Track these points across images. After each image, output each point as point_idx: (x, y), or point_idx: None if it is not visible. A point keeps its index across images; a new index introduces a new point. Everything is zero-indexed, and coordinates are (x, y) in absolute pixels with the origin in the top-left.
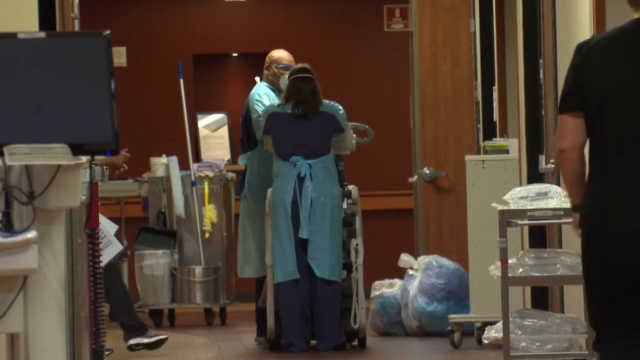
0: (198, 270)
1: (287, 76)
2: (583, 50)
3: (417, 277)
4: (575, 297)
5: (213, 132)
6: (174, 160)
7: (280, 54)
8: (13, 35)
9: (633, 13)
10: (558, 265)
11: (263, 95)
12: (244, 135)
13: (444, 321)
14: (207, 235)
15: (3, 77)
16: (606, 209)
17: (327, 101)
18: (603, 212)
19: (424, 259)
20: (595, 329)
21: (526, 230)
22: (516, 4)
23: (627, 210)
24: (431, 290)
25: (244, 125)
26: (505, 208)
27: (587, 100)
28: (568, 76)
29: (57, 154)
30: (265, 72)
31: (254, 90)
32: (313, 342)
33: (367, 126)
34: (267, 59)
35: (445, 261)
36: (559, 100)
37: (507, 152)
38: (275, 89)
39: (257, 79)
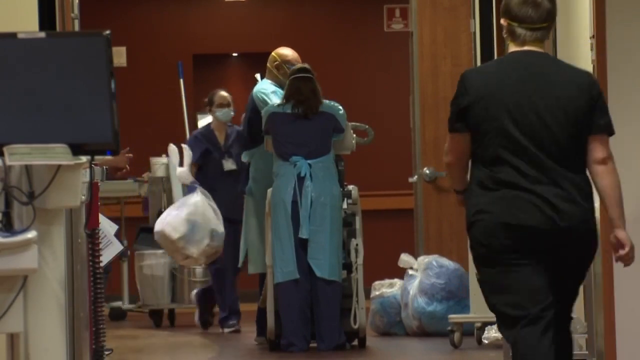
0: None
1: None
2: (469, 81)
3: (417, 277)
4: None
5: None
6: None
7: (294, 55)
8: (13, 35)
9: (510, 46)
10: None
11: (270, 93)
12: (246, 132)
13: (444, 321)
14: None
15: (3, 77)
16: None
17: (327, 101)
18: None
19: (424, 259)
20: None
21: None
22: None
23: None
24: (431, 290)
25: (247, 122)
26: None
27: (472, 124)
28: (454, 102)
29: (57, 154)
30: (273, 70)
31: (258, 87)
32: (313, 342)
33: (367, 126)
34: (276, 57)
35: (445, 261)
36: (448, 121)
37: None
38: (283, 87)
39: (258, 76)
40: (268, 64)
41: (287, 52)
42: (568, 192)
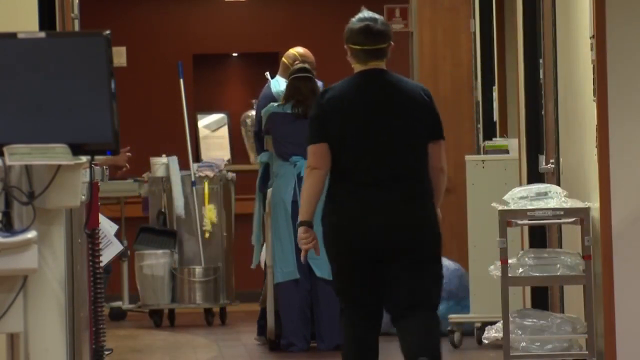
0: (198, 270)
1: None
2: (324, 98)
3: None
4: (575, 297)
5: (213, 132)
6: (173, 160)
7: (311, 56)
8: (13, 35)
9: (355, 67)
10: (558, 265)
11: None
12: (260, 132)
13: (443, 321)
14: (207, 235)
15: (3, 77)
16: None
17: None
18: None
19: None
20: None
21: (526, 230)
22: (516, 4)
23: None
24: None
25: (258, 121)
26: (505, 208)
27: (331, 137)
28: (313, 116)
29: (57, 154)
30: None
31: (274, 85)
32: (313, 342)
33: None
34: (297, 55)
35: (445, 261)
36: (309, 135)
37: (507, 152)
38: None
39: (268, 74)
40: (285, 61)
41: (305, 52)
42: (411, 194)
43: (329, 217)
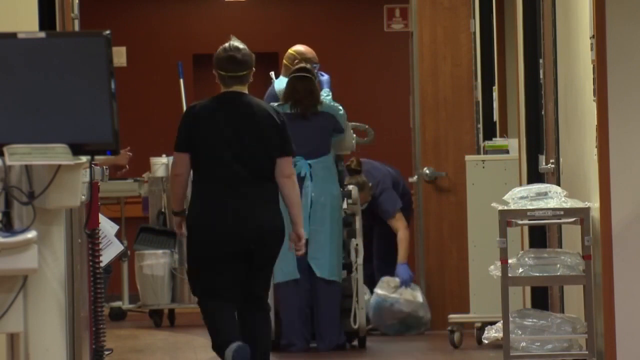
0: None
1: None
2: (192, 113)
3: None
4: (575, 297)
5: None
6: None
7: (312, 52)
8: (13, 35)
9: (221, 88)
10: (558, 265)
11: None
12: None
13: (444, 321)
14: None
15: (3, 77)
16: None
17: (327, 101)
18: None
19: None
20: None
21: (526, 230)
22: (516, 4)
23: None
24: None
25: None
26: (505, 208)
27: (193, 146)
28: (180, 128)
29: (57, 154)
30: (292, 68)
31: (277, 85)
32: (313, 342)
33: (367, 126)
34: (295, 55)
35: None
36: (175, 143)
37: (507, 152)
38: None
39: (273, 74)
40: (286, 62)
41: (303, 49)
42: (262, 200)
43: (189, 213)
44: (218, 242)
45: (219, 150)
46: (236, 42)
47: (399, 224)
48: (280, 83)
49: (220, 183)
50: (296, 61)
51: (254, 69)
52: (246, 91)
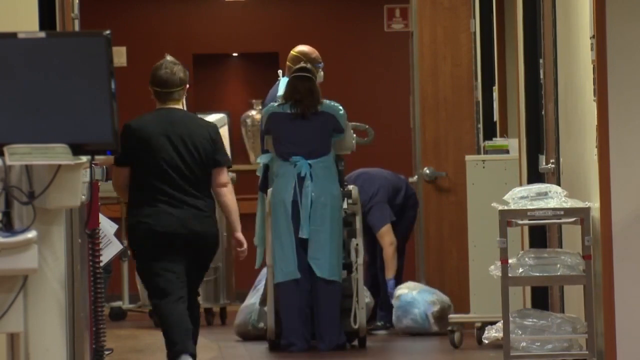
0: None
1: (321, 74)
2: (129, 131)
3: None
4: (575, 297)
5: None
6: None
7: (313, 51)
8: (13, 35)
9: (157, 104)
10: (558, 265)
11: None
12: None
13: (444, 321)
14: None
15: (3, 77)
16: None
17: (328, 101)
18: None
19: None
20: None
21: (526, 230)
22: (516, 4)
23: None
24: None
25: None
26: (506, 208)
27: (131, 159)
28: (121, 144)
29: (57, 154)
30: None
31: (281, 85)
32: (313, 342)
33: (367, 126)
34: (299, 55)
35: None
36: (115, 157)
37: (507, 152)
38: None
39: (280, 72)
40: (289, 63)
41: (307, 49)
42: (198, 209)
43: (129, 219)
44: (159, 235)
45: (156, 164)
46: (171, 60)
47: (384, 240)
48: (283, 83)
49: (157, 194)
50: (301, 63)
51: (187, 85)
52: (180, 106)
